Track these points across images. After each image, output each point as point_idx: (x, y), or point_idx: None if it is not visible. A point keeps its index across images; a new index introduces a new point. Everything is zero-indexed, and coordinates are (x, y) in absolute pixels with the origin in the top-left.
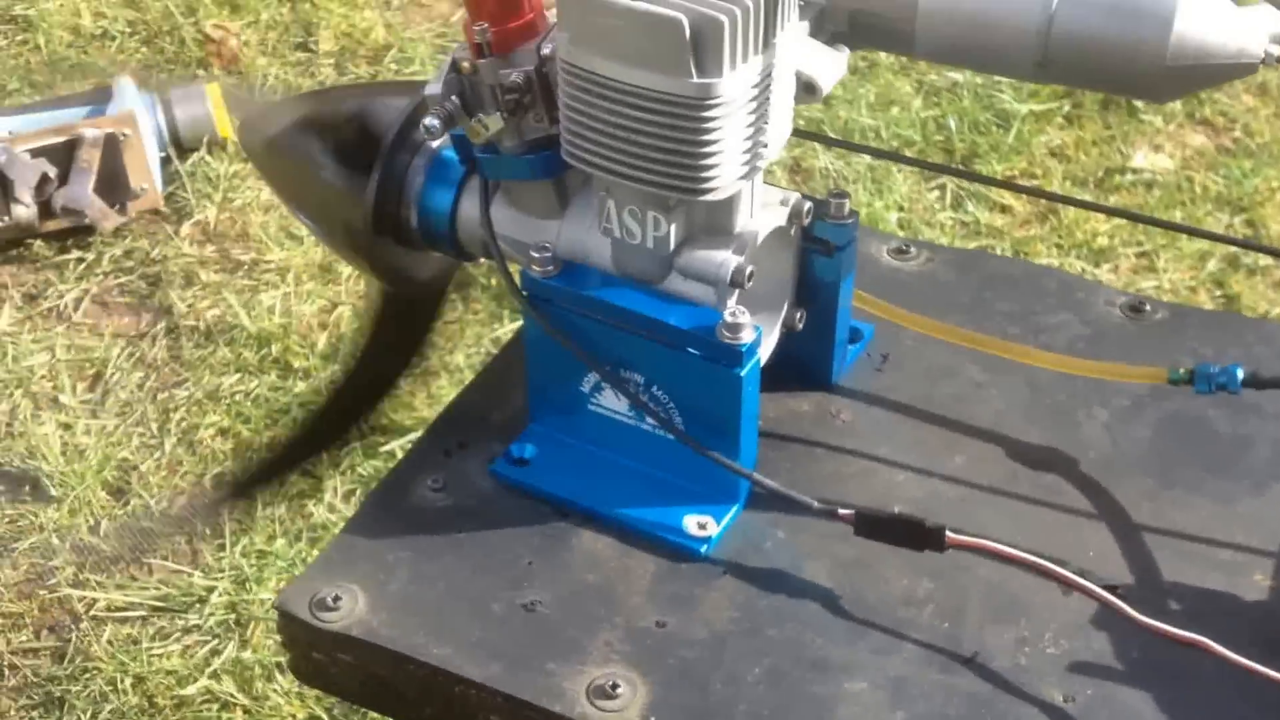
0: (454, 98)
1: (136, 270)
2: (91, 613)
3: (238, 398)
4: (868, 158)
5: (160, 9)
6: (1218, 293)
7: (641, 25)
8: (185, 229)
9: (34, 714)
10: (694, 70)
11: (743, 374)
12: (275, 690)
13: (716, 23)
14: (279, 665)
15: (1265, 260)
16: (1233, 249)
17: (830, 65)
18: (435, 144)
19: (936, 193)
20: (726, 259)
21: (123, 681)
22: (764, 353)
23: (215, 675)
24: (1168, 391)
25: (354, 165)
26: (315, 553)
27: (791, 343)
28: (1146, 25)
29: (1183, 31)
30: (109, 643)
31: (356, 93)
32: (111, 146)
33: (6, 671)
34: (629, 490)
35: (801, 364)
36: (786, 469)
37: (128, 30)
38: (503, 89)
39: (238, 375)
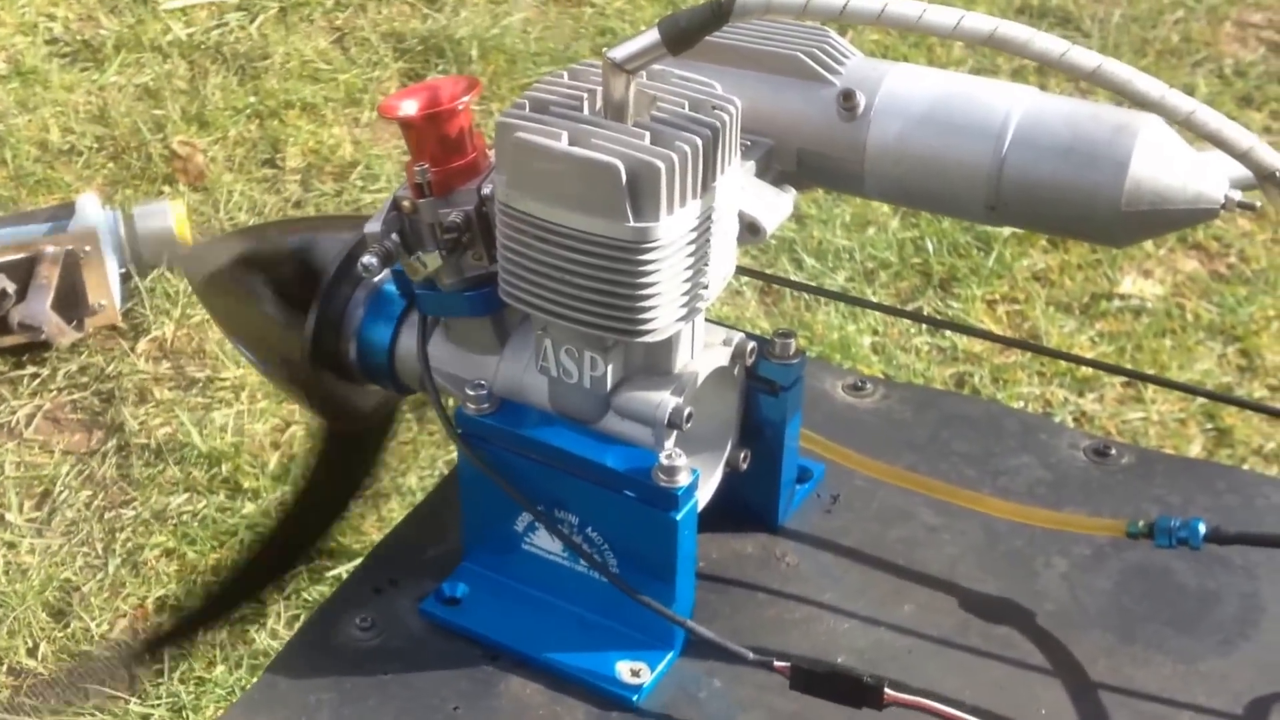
0: (394, 235)
1: (91, 386)
2: None
3: (185, 518)
4: (838, 281)
5: (128, 125)
6: (1209, 425)
7: (578, 170)
8: (142, 345)
9: None
10: (630, 215)
11: (678, 518)
12: None
13: (653, 169)
14: None
15: (1262, 393)
16: (1225, 379)
17: (774, 207)
18: (376, 279)
19: (908, 321)
20: (664, 400)
21: None
22: (705, 494)
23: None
24: (1130, 541)
25: (295, 300)
26: (255, 680)
27: (736, 482)
28: (1101, 169)
29: (1139, 176)
30: None
31: (299, 227)
32: (71, 263)
33: None
34: (561, 633)
35: (746, 504)
36: (726, 614)
37: (95, 146)
38: (442, 228)
39: (186, 495)
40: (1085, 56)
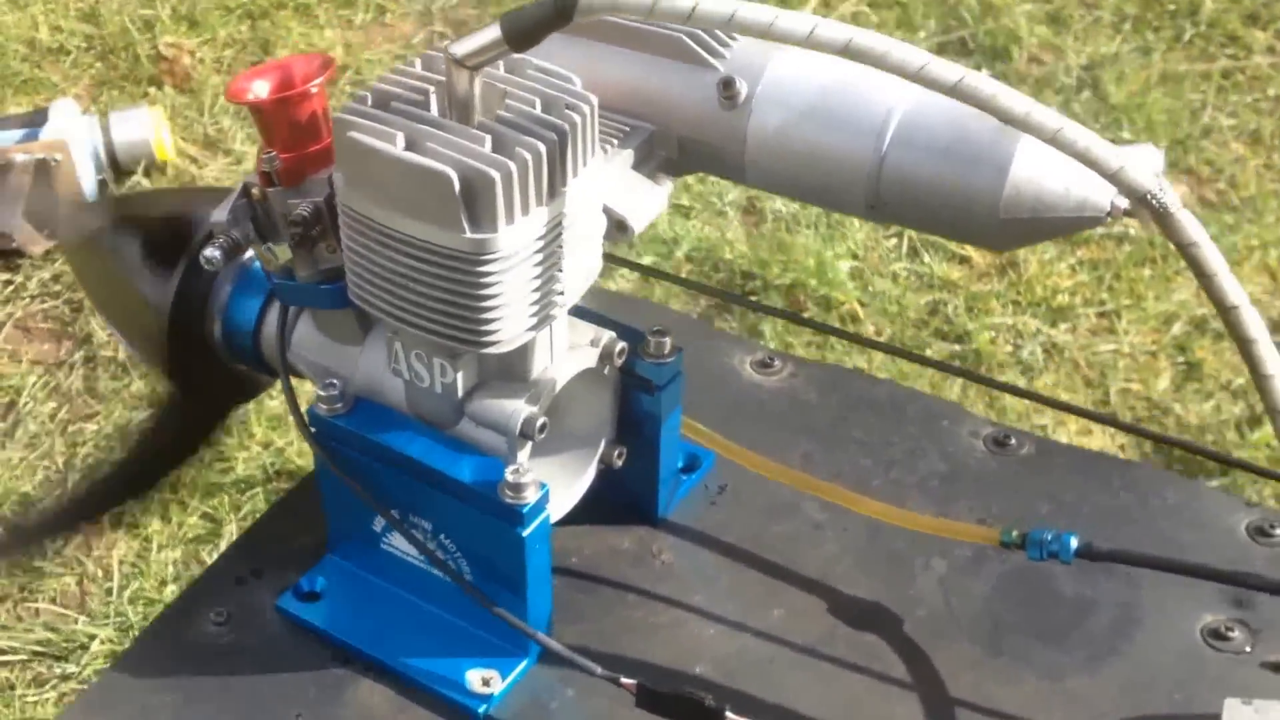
0: (249, 222)
1: (62, 295)
2: None
3: None
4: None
5: (118, 24)
6: (1180, 359)
7: (412, 177)
8: None
9: None
10: (466, 225)
11: (525, 534)
12: None
13: (487, 179)
14: None
15: None
16: (1199, 310)
17: (645, 202)
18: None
19: (894, 240)
20: (518, 409)
21: None
22: (577, 493)
23: None
24: None
25: (162, 272)
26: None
27: (617, 474)
28: (981, 173)
29: (1019, 182)
30: None
31: (176, 197)
32: (43, 171)
33: None
34: (417, 636)
35: (627, 496)
36: (592, 617)
37: (84, 45)
38: (290, 221)
39: (150, 410)
40: (946, 69)
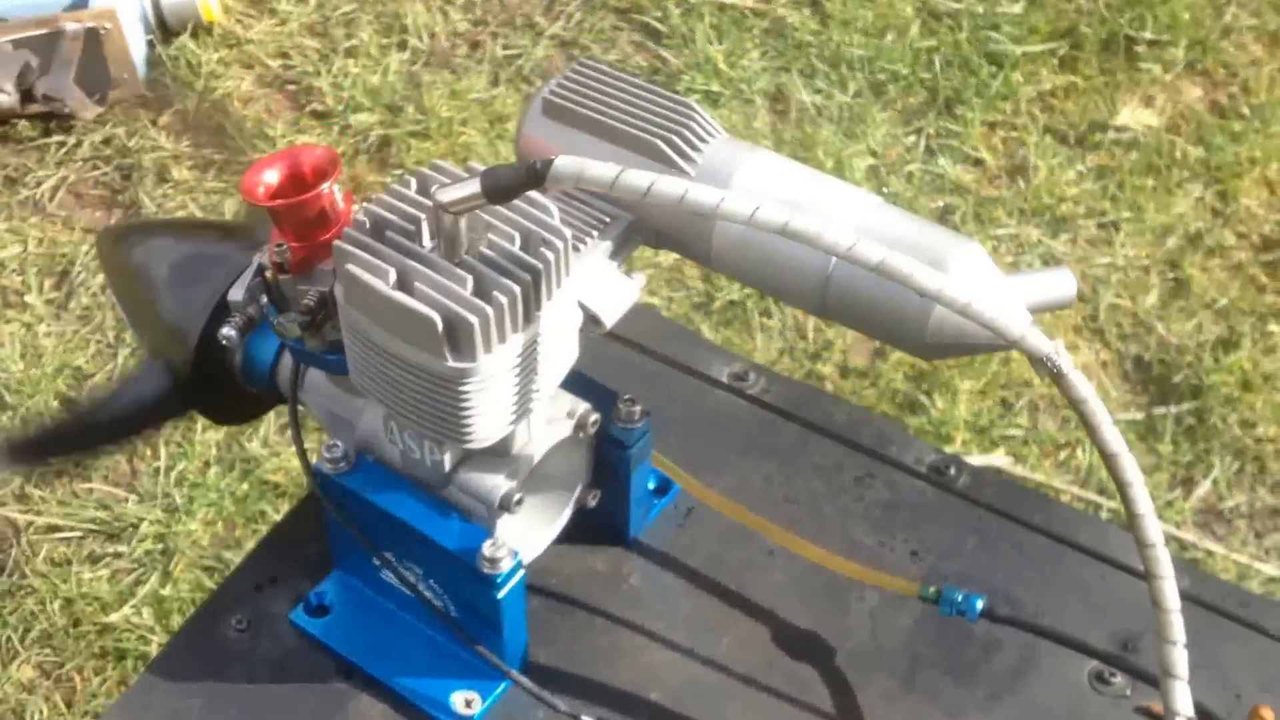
0: (263, 299)
1: (113, 160)
2: (32, 528)
3: None
4: (846, 96)
5: None
6: (1170, 275)
7: (400, 313)
8: (164, 119)
9: None
10: (448, 355)
11: (500, 597)
12: None
13: (467, 323)
14: (193, 602)
15: (1229, 240)
16: (1198, 224)
17: (618, 297)
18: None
19: (912, 138)
20: (497, 485)
21: (52, 603)
22: (554, 530)
23: (137, 607)
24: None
25: (187, 301)
26: (245, 486)
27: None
28: (910, 300)
29: (941, 315)
30: (44, 561)
31: (214, 233)
32: (92, 39)
33: None
34: (408, 655)
35: (603, 519)
36: (565, 640)
37: None
38: (299, 307)
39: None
40: (870, 250)
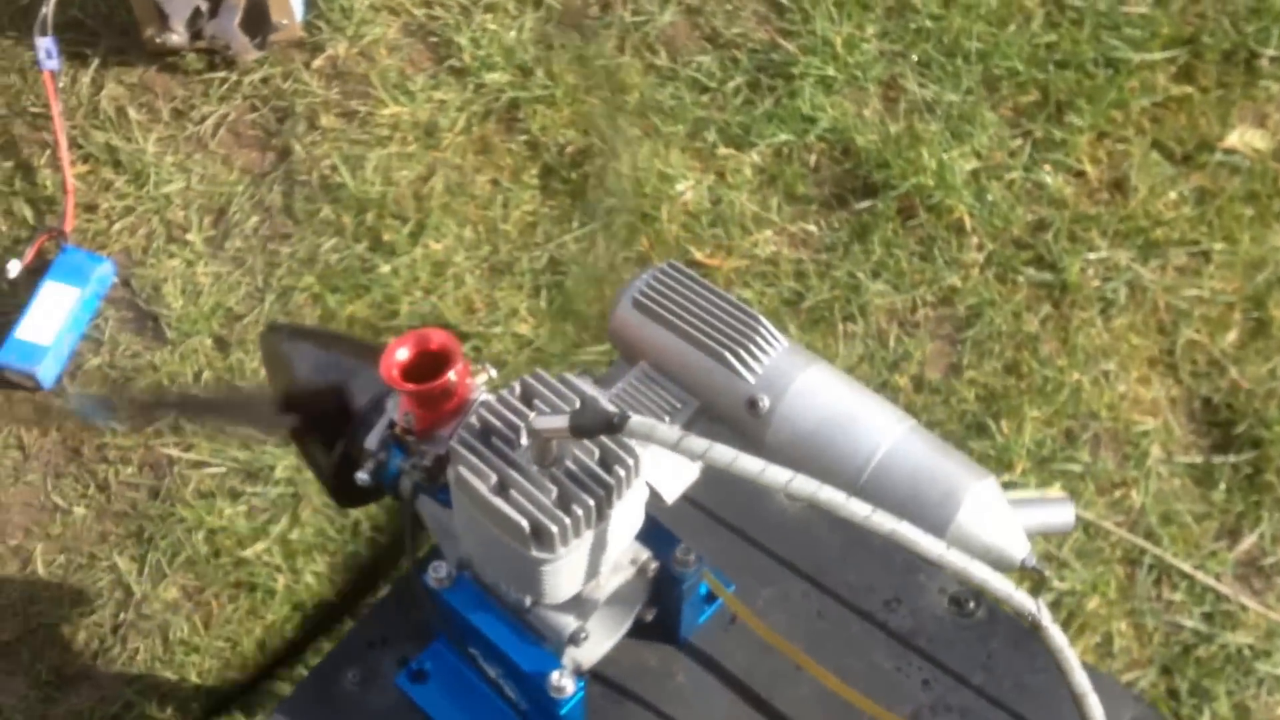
0: (392, 447)
1: (270, 102)
2: (183, 461)
3: (331, 262)
4: (958, 94)
5: None
6: (1253, 314)
7: (497, 513)
8: (317, 61)
9: (127, 543)
10: (532, 547)
11: (563, 713)
12: (311, 570)
13: (549, 530)
14: (317, 547)
15: None
16: None
17: (680, 478)
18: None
19: (1020, 141)
20: (567, 623)
21: (197, 532)
22: (612, 640)
23: (269, 545)
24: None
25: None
26: None
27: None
28: (929, 516)
29: (952, 539)
30: (193, 493)
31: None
32: None
33: (113, 498)
34: None
35: (660, 617)
36: None
37: None
38: (417, 466)
39: (335, 239)
40: (883, 520)
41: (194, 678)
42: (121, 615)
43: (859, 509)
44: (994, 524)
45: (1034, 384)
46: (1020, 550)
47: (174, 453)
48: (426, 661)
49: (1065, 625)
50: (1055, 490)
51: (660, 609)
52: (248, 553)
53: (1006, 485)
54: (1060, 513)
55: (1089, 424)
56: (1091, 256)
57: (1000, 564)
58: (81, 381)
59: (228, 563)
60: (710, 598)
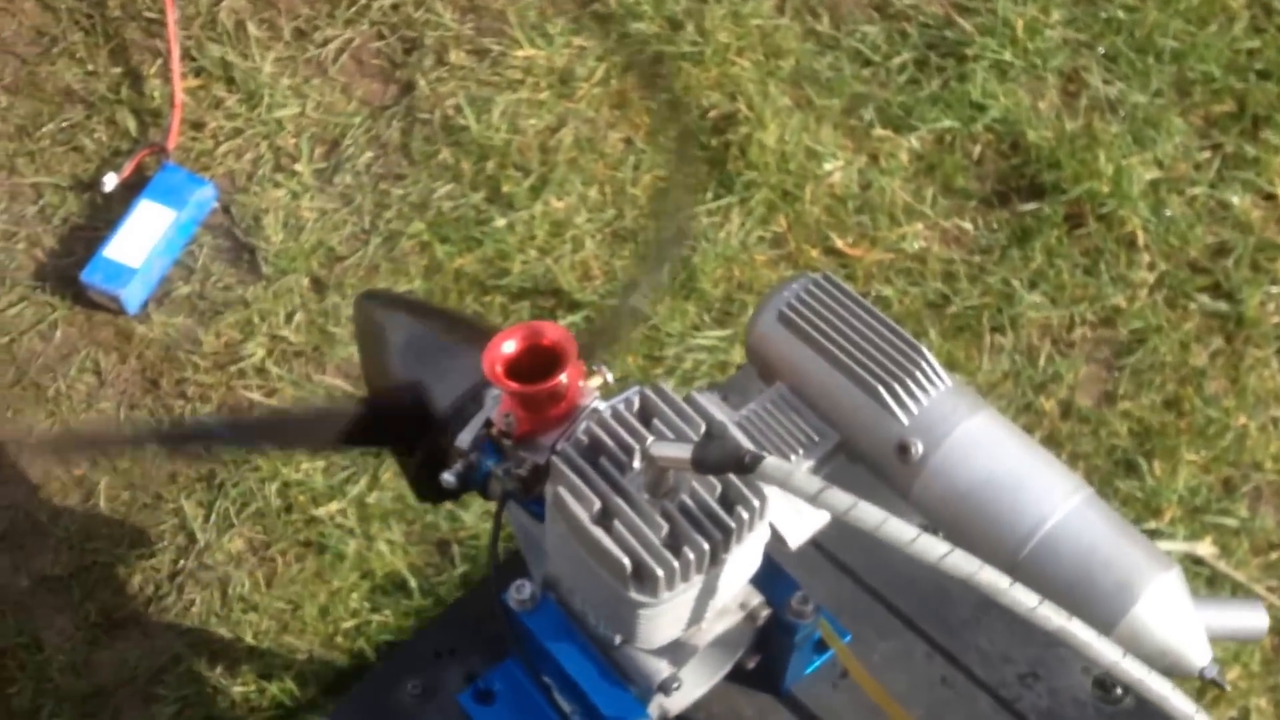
0: (486, 448)
1: (398, 30)
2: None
3: (444, 210)
4: (1145, 95)
5: None
6: None
7: (596, 547)
8: None
9: (197, 487)
10: (633, 590)
11: None
12: (385, 538)
13: (654, 572)
14: (394, 513)
15: None
16: None
17: (807, 524)
18: None
19: (1208, 154)
20: (660, 669)
21: (270, 484)
22: (707, 686)
23: (343, 506)
24: None
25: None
26: None
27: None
28: (1093, 616)
29: (1122, 636)
30: None
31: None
32: None
33: None
34: None
35: (760, 666)
36: None
37: None
38: (513, 474)
39: (451, 185)
40: (967, 565)
41: (249, 638)
42: (181, 562)
43: (1024, 598)
44: (1174, 624)
45: (1195, 424)
46: (1201, 657)
47: (256, 396)
48: (495, 681)
49: (1198, 695)
50: (1221, 559)
51: (764, 656)
52: (320, 511)
53: (1152, 534)
54: (1251, 618)
55: (1251, 475)
56: (1274, 290)
57: (1175, 669)
58: (168, 310)
59: (299, 519)
60: (821, 646)
